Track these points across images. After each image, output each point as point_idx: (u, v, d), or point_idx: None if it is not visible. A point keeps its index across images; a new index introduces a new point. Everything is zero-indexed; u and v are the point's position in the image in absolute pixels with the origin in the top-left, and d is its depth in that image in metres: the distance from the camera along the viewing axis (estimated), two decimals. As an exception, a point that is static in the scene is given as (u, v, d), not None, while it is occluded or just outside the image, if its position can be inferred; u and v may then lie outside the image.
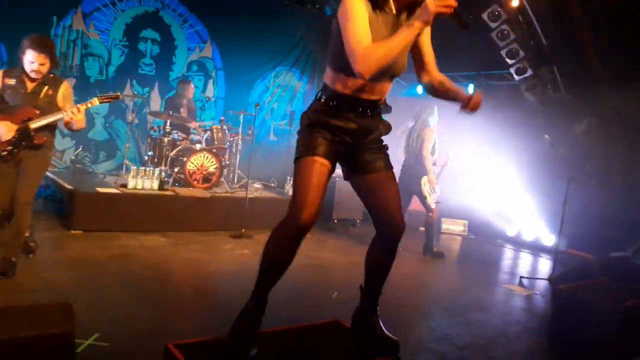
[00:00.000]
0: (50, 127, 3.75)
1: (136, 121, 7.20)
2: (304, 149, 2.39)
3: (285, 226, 2.46)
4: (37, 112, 3.60)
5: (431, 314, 4.24)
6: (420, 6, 2.06)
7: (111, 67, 7.84)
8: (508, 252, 7.68)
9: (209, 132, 7.17)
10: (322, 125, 2.37)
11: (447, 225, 8.40)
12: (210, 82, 8.77)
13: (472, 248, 7.66)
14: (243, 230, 6.09)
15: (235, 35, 8.35)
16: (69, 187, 5.68)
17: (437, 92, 2.45)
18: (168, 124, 6.87)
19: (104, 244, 5.08)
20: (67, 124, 3.71)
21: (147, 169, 6.22)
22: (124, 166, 6.97)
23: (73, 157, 7.25)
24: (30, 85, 3.64)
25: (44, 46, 3.57)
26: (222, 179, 6.95)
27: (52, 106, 3.67)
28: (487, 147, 7.73)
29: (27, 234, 4.04)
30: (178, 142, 6.84)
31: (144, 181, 6.04)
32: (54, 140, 3.92)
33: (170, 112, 6.93)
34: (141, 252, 5.03)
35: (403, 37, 2.06)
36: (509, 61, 7.31)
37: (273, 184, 8.12)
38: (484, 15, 7.11)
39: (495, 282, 5.73)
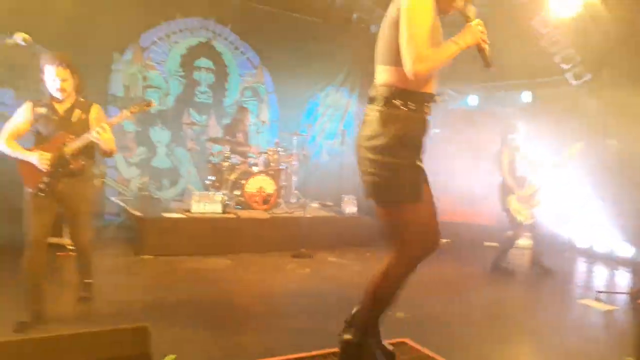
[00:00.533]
0: (87, 152, 3.52)
1: (196, 148, 7.46)
2: (409, 194, 2.35)
3: (407, 265, 2.57)
4: (72, 136, 3.41)
5: (508, 334, 4.06)
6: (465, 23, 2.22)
7: (170, 97, 8.19)
8: (579, 265, 7.28)
9: (265, 154, 7.32)
10: (414, 147, 2.35)
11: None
12: (264, 106, 8.99)
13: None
14: (303, 249, 6.12)
15: (284, 59, 8.52)
16: (137, 213, 5.94)
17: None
18: (227, 149, 7.08)
19: (172, 267, 5.26)
20: (99, 148, 3.52)
21: (209, 193, 6.41)
22: (187, 191, 7.22)
23: (139, 185, 7.59)
24: (61, 110, 3.47)
25: (61, 59, 3.39)
26: (280, 199, 7.05)
27: (86, 130, 3.48)
28: (551, 155, 7.42)
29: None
30: (237, 166, 7.02)
31: (206, 205, 6.23)
32: (92, 168, 3.71)
33: (228, 138, 7.15)
34: (207, 274, 5.16)
35: (452, 53, 2.17)
36: (564, 66, 7.05)
37: (330, 203, 8.14)
38: (534, 22, 6.93)
39: (570, 298, 5.42)
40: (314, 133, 9.23)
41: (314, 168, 8.91)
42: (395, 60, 2.22)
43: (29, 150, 3.41)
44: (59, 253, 5.10)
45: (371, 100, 2.38)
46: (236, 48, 8.67)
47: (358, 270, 5.76)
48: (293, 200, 7.55)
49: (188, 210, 6.27)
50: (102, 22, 6.85)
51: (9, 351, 1.93)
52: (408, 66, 2.10)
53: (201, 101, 8.46)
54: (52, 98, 3.44)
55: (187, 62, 8.28)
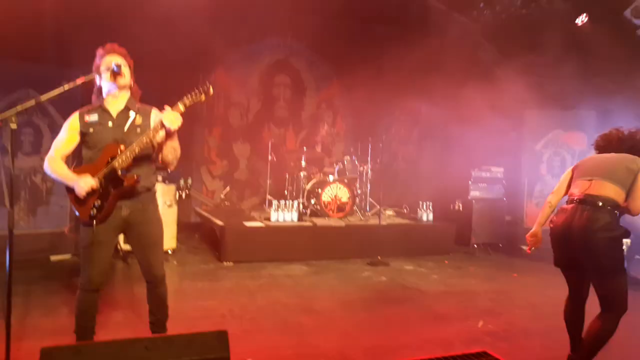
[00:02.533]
0: (143, 163, 2.88)
1: (275, 159, 7.74)
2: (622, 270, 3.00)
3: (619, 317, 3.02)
4: (121, 146, 2.77)
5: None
6: None
7: (250, 113, 8.59)
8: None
9: (340, 163, 7.43)
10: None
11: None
12: (339, 116, 9.13)
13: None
14: (379, 257, 6.12)
15: (358, 70, 8.59)
16: (220, 223, 6.27)
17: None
18: (303, 159, 7.27)
19: (252, 274, 5.49)
20: (160, 155, 2.91)
21: (287, 202, 6.61)
22: (267, 201, 7.50)
23: (222, 196, 8.00)
24: (114, 112, 2.87)
25: (120, 49, 2.91)
26: (355, 207, 7.11)
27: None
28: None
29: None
30: (313, 176, 7.18)
31: (284, 214, 6.44)
32: (154, 182, 3.05)
33: (305, 149, 7.35)
34: (286, 280, 5.32)
35: None
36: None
37: (405, 210, 8.06)
38: (627, 13, 6.44)
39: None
40: (389, 140, 9.19)
41: (390, 175, 8.86)
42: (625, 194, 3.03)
43: (76, 169, 2.84)
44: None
45: None
46: (312, 62, 8.91)
47: (436, 279, 5.65)
48: (368, 207, 7.57)
49: (267, 219, 6.51)
50: (189, 45, 7.34)
51: (97, 352, 2.11)
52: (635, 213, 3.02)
53: (279, 115, 8.79)
54: (104, 101, 2.87)
55: (266, 79, 8.65)
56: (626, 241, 5.13)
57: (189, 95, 2.78)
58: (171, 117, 2.71)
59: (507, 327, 4.03)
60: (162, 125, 2.73)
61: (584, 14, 7.41)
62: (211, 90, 2.80)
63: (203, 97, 2.79)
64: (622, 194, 3.00)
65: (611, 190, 3.00)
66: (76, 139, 2.85)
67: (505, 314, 4.36)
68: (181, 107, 2.76)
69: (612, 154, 3.18)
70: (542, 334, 3.94)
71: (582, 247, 2.96)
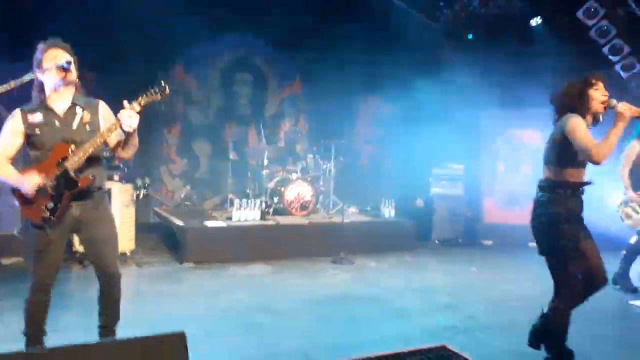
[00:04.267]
0: (95, 162, 2.79)
1: (237, 158, 7.64)
2: (568, 254, 2.93)
3: (572, 301, 3.02)
4: (72, 146, 2.67)
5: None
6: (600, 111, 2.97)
7: (210, 111, 8.45)
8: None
9: (303, 161, 7.40)
10: (573, 219, 2.94)
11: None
12: (302, 115, 9.10)
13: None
14: (342, 255, 6.13)
15: (321, 69, 8.59)
16: (180, 223, 6.14)
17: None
18: (265, 157, 7.21)
19: (213, 274, 5.40)
20: (114, 150, 2.85)
21: (249, 201, 6.54)
22: (229, 200, 7.39)
23: (183, 196, 7.84)
24: (60, 112, 2.72)
25: (64, 45, 2.74)
26: (318, 205, 7.10)
27: (94, 135, 2.71)
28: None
29: None
30: (276, 174, 7.13)
31: (247, 213, 6.36)
32: (105, 180, 3.00)
33: (267, 147, 7.29)
34: (248, 281, 5.26)
35: (616, 137, 2.79)
36: (613, 58, 6.77)
37: (368, 208, 8.11)
38: (579, 13, 6.70)
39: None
40: (352, 138, 9.24)
41: (353, 173, 8.91)
42: (557, 162, 3.00)
43: (23, 171, 2.68)
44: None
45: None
46: (274, 59, 8.84)
47: (398, 275, 5.71)
48: (332, 205, 7.58)
49: (229, 219, 6.41)
50: (146, 41, 7.15)
51: (47, 358, 2.02)
52: (591, 160, 2.78)
53: (241, 113, 8.68)
54: (48, 99, 2.72)
55: (228, 77, 8.53)
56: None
57: (145, 94, 2.70)
58: (128, 117, 2.61)
59: (466, 321, 4.10)
60: (119, 126, 2.63)
61: (538, 17, 7.66)
62: (167, 89, 2.73)
63: (159, 96, 2.72)
64: (555, 168, 2.98)
65: (545, 171, 3.07)
66: (20, 141, 2.71)
67: (464, 309, 4.44)
68: (136, 106, 2.65)
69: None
70: (501, 327, 4.04)
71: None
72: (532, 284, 5.57)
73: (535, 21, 7.81)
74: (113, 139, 2.76)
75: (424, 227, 7.49)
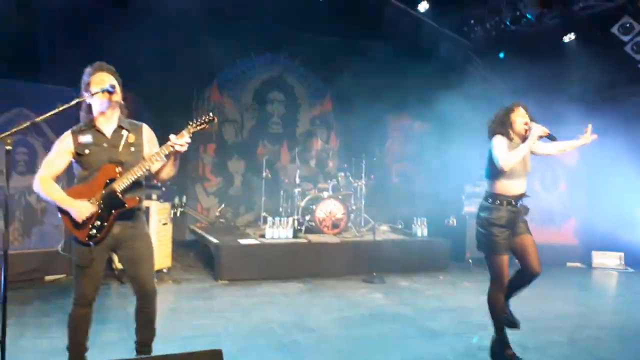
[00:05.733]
0: (137, 183, 2.89)
1: (269, 176, 7.78)
2: (495, 247, 3.48)
3: (497, 288, 3.56)
4: (119, 169, 2.82)
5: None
6: (526, 133, 3.49)
7: (244, 130, 8.66)
8: None
9: (334, 180, 7.47)
10: (497, 225, 3.46)
11: (598, 259, 7.57)
12: (333, 133, 9.21)
13: (635, 284, 6.74)
14: (374, 274, 6.13)
15: (352, 87, 8.68)
16: (215, 240, 6.27)
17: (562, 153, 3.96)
18: (297, 175, 7.31)
19: (247, 292, 5.48)
20: (157, 175, 2.98)
21: (282, 219, 6.63)
22: (262, 217, 7.51)
23: (218, 213, 8.01)
24: (108, 132, 2.87)
25: (109, 67, 2.90)
26: (349, 224, 7.14)
27: (137, 156, 2.89)
28: (639, 167, 6.93)
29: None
30: (307, 192, 7.22)
31: (279, 231, 6.45)
32: (144, 200, 3.07)
33: (299, 165, 7.40)
34: (280, 298, 5.32)
35: (524, 150, 3.39)
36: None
37: (400, 226, 8.09)
38: (614, 29, 6.59)
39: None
40: (383, 156, 9.27)
41: (384, 191, 8.92)
42: (490, 176, 3.55)
43: (70, 190, 2.87)
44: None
45: None
46: (305, 79, 9.02)
47: (431, 295, 5.66)
48: (363, 223, 7.60)
49: (262, 236, 6.52)
50: (183, 62, 7.43)
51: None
52: (499, 167, 3.38)
53: (274, 132, 8.85)
54: (95, 120, 2.86)
55: (260, 96, 8.74)
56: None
57: (194, 123, 2.83)
58: (181, 145, 2.76)
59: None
60: (173, 150, 2.77)
61: (572, 33, 7.57)
62: (216, 120, 2.89)
63: (207, 125, 2.85)
64: (488, 181, 3.56)
65: (485, 184, 3.66)
66: (69, 160, 2.85)
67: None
68: (186, 134, 2.79)
69: None
70: (536, 348, 3.95)
71: None
72: (568, 304, 5.45)
73: (569, 37, 7.71)
74: (156, 164, 2.89)
75: (457, 246, 7.40)
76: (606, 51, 6.93)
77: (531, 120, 3.52)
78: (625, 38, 6.79)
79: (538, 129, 3.41)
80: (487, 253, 3.53)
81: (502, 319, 3.57)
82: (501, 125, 3.54)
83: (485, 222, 3.49)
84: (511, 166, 3.33)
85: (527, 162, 3.52)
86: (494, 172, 3.46)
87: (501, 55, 8.39)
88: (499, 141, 3.44)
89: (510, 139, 3.51)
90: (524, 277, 3.59)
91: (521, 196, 3.51)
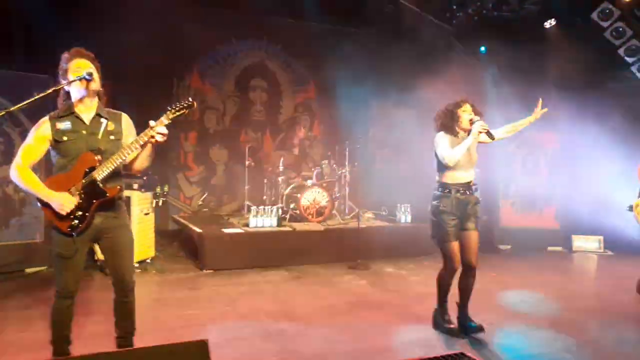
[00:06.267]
0: (116, 173, 2.85)
1: (252, 164, 7.71)
2: (444, 235, 3.79)
3: (447, 271, 3.88)
4: (98, 157, 2.75)
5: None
6: (471, 127, 3.72)
7: (226, 117, 8.55)
8: None
9: (318, 168, 7.45)
10: (447, 212, 3.77)
11: (579, 242, 7.72)
12: (316, 120, 9.16)
13: (614, 268, 6.90)
14: (359, 261, 6.15)
15: (335, 74, 8.63)
16: (199, 230, 6.22)
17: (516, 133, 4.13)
18: (281, 163, 7.27)
19: (232, 281, 5.46)
20: (130, 165, 2.92)
21: (266, 207, 6.60)
22: (245, 206, 7.46)
23: (200, 202, 7.93)
24: (87, 119, 2.80)
25: (87, 54, 2.82)
26: (334, 211, 7.14)
27: (116, 145, 2.83)
28: (618, 152, 7.05)
29: None
30: (291, 180, 7.18)
31: (263, 219, 6.42)
32: (124, 187, 3.01)
33: (282, 153, 7.35)
34: (266, 287, 5.31)
35: (466, 146, 3.68)
36: (629, 59, 6.72)
37: (384, 212, 8.12)
38: (594, 15, 6.66)
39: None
40: (367, 143, 9.25)
41: (368, 178, 8.92)
42: (437, 168, 3.90)
43: (49, 179, 2.78)
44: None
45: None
46: (288, 65, 8.92)
47: (416, 280, 5.71)
48: (347, 211, 7.61)
49: (246, 225, 6.48)
50: (163, 50, 7.28)
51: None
52: (444, 162, 3.75)
53: (256, 119, 8.76)
54: (75, 106, 2.79)
55: (242, 83, 8.62)
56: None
57: (172, 109, 2.76)
58: (162, 132, 2.71)
59: (485, 327, 4.08)
60: (152, 141, 2.72)
61: (552, 19, 7.62)
62: (195, 105, 2.80)
63: (186, 111, 2.78)
64: (438, 173, 3.89)
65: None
66: (46, 146, 2.77)
67: (483, 315, 4.42)
68: (165, 121, 2.74)
69: None
70: (520, 333, 4.03)
71: None
72: (549, 288, 5.54)
73: (549, 23, 7.76)
74: (131, 154, 2.82)
75: (441, 232, 7.45)
76: (586, 37, 7.00)
77: (477, 115, 3.78)
78: (605, 24, 6.86)
79: (478, 125, 3.67)
80: (439, 241, 3.81)
81: (445, 294, 3.98)
82: (449, 120, 3.83)
83: (437, 210, 3.80)
84: (456, 161, 3.67)
85: (473, 153, 3.81)
86: (441, 165, 3.80)
87: (482, 49, 8.42)
88: (440, 138, 3.78)
89: (456, 134, 3.82)
90: (463, 271, 3.90)
91: (468, 184, 3.81)
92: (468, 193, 3.80)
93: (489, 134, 3.72)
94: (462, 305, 3.94)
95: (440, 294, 4.00)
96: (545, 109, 3.97)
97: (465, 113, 3.80)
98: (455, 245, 3.77)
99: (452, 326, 3.90)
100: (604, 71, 7.71)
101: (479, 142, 3.83)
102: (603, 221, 7.47)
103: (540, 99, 3.98)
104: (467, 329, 3.88)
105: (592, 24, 6.93)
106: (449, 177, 3.78)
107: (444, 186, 3.80)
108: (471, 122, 3.74)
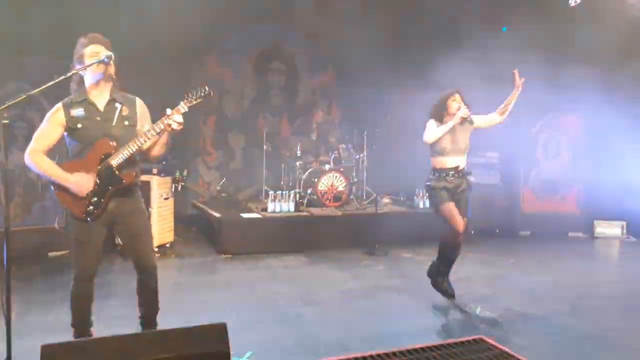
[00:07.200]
0: (132, 158, 2.85)
1: (270, 149, 7.72)
2: (439, 200, 4.15)
3: (448, 234, 4.18)
4: (113, 143, 2.77)
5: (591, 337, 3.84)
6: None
7: (244, 101, 8.54)
8: None
9: (336, 152, 7.41)
10: (438, 187, 4.18)
11: (601, 228, 7.57)
12: (334, 104, 9.09)
13: (637, 254, 6.76)
14: (376, 246, 6.14)
15: (353, 58, 8.53)
16: (217, 215, 6.27)
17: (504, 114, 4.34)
18: (299, 148, 7.26)
19: (250, 265, 5.51)
20: (147, 152, 2.93)
21: (283, 192, 6.61)
22: (263, 191, 7.49)
23: (219, 187, 7.98)
24: (101, 106, 2.80)
25: (104, 40, 2.81)
26: (351, 196, 7.11)
27: (131, 130, 2.85)
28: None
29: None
30: (309, 165, 7.17)
31: (281, 204, 6.44)
32: (140, 174, 3.04)
33: (300, 137, 7.33)
34: (284, 271, 5.35)
35: (444, 129, 4.09)
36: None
37: (402, 198, 8.07)
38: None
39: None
40: (384, 127, 9.16)
41: (386, 162, 8.85)
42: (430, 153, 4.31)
43: (65, 164, 2.80)
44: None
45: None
46: (306, 48, 8.84)
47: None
48: (365, 196, 7.58)
49: (264, 210, 6.51)
50: (181, 35, 7.26)
51: (97, 348, 2.13)
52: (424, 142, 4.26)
53: (274, 103, 8.74)
54: (88, 92, 2.80)
55: (260, 67, 8.58)
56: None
57: (189, 97, 2.78)
58: (178, 121, 2.73)
59: (504, 312, 4.06)
60: (168, 129, 2.73)
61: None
62: (212, 93, 2.81)
63: (202, 99, 2.80)
64: (430, 158, 4.27)
65: None
66: (60, 133, 2.79)
67: (503, 300, 4.40)
68: (182, 109, 2.75)
69: None
70: (539, 318, 3.98)
71: None
72: (570, 274, 5.47)
73: (574, 1, 7.52)
74: (148, 141, 2.83)
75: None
76: (613, 14, 6.74)
77: (466, 105, 4.12)
78: (633, 0, 6.58)
79: (460, 112, 4.04)
80: (436, 207, 4.18)
81: (449, 254, 4.26)
82: (440, 109, 4.20)
83: (430, 189, 4.23)
84: (430, 141, 4.10)
85: (460, 141, 4.14)
86: (431, 151, 4.22)
87: (504, 29, 8.20)
88: (429, 124, 4.19)
89: (445, 122, 4.15)
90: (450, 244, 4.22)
91: (456, 169, 4.15)
92: (457, 176, 4.16)
93: (469, 120, 4.06)
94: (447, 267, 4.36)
95: (442, 252, 4.31)
96: (522, 79, 4.19)
97: (454, 102, 4.15)
98: (450, 205, 4.09)
99: (445, 283, 4.31)
100: (630, 51, 7.45)
101: (478, 128, 4.23)
102: (626, 206, 7.31)
103: (516, 70, 4.21)
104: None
105: (620, 1, 6.65)
106: (438, 163, 4.19)
107: (434, 171, 4.21)
108: (458, 110, 4.10)
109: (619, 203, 7.31)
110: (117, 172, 2.77)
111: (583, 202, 7.74)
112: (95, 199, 2.77)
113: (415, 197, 7.35)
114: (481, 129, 4.31)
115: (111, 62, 2.77)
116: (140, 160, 3.03)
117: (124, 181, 2.80)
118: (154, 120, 2.84)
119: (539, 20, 7.23)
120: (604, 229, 7.59)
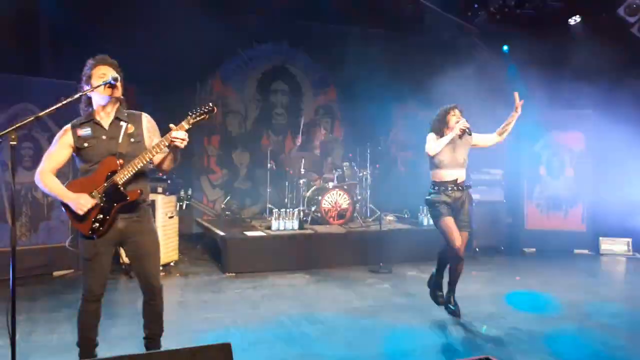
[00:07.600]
0: (140, 176, 2.90)
1: (274, 167, 7.75)
2: (438, 215, 4.21)
3: (449, 249, 4.19)
4: (120, 161, 2.81)
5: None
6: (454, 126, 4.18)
7: (248, 121, 8.62)
8: None
9: (339, 169, 7.44)
10: (438, 201, 4.22)
11: (606, 245, 7.52)
12: (337, 122, 9.16)
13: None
14: (381, 264, 6.12)
15: (355, 75, 8.61)
16: (222, 233, 6.27)
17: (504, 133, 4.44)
18: (302, 165, 7.29)
19: (255, 284, 5.49)
20: (159, 166, 2.98)
21: (287, 210, 6.62)
22: (267, 209, 7.50)
23: (223, 206, 8.01)
24: (106, 124, 2.86)
25: (112, 62, 2.89)
26: (355, 214, 7.11)
27: (138, 147, 2.88)
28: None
29: None
30: (313, 183, 7.19)
31: (285, 222, 6.44)
32: (149, 193, 3.11)
33: (304, 155, 7.37)
34: (288, 290, 5.32)
35: (446, 140, 4.14)
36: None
37: (406, 215, 8.06)
38: (620, 11, 6.49)
39: None
40: (388, 145, 9.22)
41: (390, 180, 8.87)
42: (429, 167, 4.39)
43: (72, 182, 2.89)
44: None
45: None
46: (309, 68, 8.95)
47: (438, 283, 5.64)
48: (369, 213, 7.58)
49: (268, 228, 6.51)
50: (186, 54, 7.37)
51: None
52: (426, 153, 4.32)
53: (277, 122, 8.81)
54: (95, 113, 2.86)
55: (263, 86, 8.69)
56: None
57: (193, 114, 2.82)
58: (182, 137, 2.75)
59: (510, 331, 4.03)
60: (172, 145, 2.77)
61: (577, 16, 7.46)
62: (215, 110, 2.86)
63: (207, 116, 2.84)
64: (430, 172, 4.35)
65: None
66: (69, 153, 2.87)
67: (508, 318, 4.36)
68: (186, 125, 2.79)
69: None
70: (548, 337, 3.94)
71: None
72: (578, 291, 5.42)
73: (574, 20, 7.60)
74: (158, 155, 2.88)
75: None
76: (612, 33, 6.82)
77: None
78: (632, 19, 6.66)
79: (460, 124, 4.12)
80: (435, 222, 4.27)
81: (446, 264, 4.35)
82: (440, 123, 4.28)
83: (430, 202, 4.28)
84: (433, 153, 4.15)
85: (458, 154, 4.22)
86: (430, 165, 4.31)
87: (505, 48, 8.29)
88: (429, 138, 4.27)
89: (444, 135, 4.23)
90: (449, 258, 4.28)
91: (455, 182, 4.20)
92: (456, 189, 4.20)
93: (468, 131, 4.13)
94: (450, 284, 4.37)
95: (440, 264, 4.44)
96: (522, 101, 4.26)
97: (454, 117, 4.23)
98: (448, 220, 4.12)
99: (440, 295, 4.45)
100: (631, 68, 7.50)
101: (475, 146, 4.34)
102: (632, 223, 7.27)
103: (517, 93, 4.28)
104: (445, 307, 4.38)
105: (618, 20, 6.73)
106: (437, 176, 4.26)
107: (434, 184, 4.28)
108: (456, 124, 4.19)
109: (625, 219, 7.27)
110: (122, 189, 2.81)
111: (588, 219, 7.71)
112: (101, 216, 2.79)
113: (419, 214, 7.34)
114: (479, 147, 4.40)
115: (118, 83, 2.83)
116: (150, 177, 3.05)
117: (128, 198, 2.82)
118: (162, 135, 2.88)
119: (539, 41, 7.32)
120: (609, 245, 7.53)
